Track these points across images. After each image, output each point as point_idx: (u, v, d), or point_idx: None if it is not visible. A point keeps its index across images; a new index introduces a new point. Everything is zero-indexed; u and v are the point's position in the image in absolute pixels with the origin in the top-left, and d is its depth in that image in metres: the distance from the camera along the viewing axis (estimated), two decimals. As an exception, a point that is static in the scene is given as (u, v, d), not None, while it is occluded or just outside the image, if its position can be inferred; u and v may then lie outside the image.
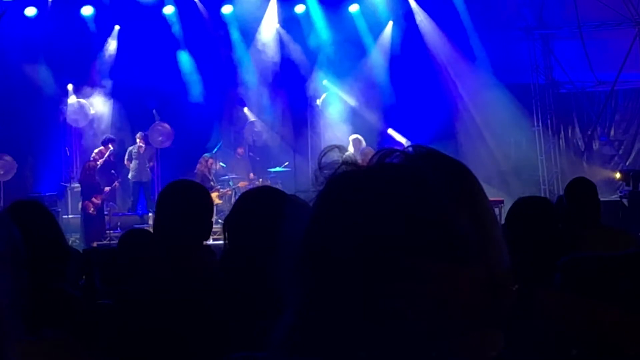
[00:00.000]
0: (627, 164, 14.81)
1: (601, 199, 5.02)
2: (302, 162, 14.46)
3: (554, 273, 2.45)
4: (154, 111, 15.21)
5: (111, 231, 13.42)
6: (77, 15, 14.68)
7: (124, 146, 14.69)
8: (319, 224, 0.99)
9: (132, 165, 14.25)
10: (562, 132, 15.57)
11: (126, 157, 14.35)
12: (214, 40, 15.19)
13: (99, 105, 14.96)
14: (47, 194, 13.61)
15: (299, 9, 15.39)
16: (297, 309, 0.99)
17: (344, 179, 1.01)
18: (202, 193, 2.97)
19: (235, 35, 15.45)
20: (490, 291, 0.94)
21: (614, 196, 13.02)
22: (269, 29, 15.52)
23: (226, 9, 15.20)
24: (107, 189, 13.59)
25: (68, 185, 14.76)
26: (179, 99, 15.10)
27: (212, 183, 13.65)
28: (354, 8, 15.30)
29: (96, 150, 13.85)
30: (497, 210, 10.75)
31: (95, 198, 13.21)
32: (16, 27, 14.05)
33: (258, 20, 15.44)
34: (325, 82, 15.50)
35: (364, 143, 13.95)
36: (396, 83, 15.01)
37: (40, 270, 2.59)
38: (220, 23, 15.28)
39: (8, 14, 13.78)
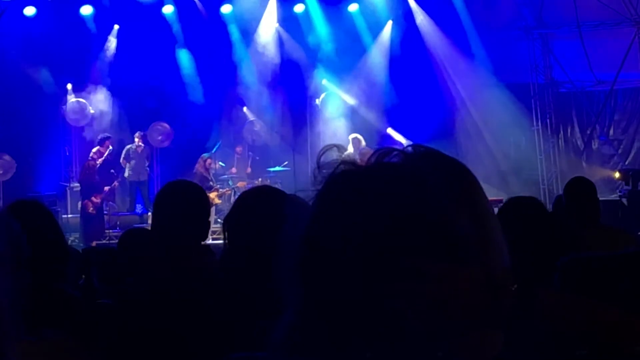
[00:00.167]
0: (626, 163, 14.81)
1: (600, 199, 5.02)
2: (302, 161, 14.46)
3: (552, 273, 2.45)
4: (153, 110, 15.20)
5: (110, 230, 13.43)
6: (76, 15, 14.68)
7: (124, 145, 14.69)
8: (319, 224, 0.99)
9: (130, 164, 14.24)
10: (562, 132, 15.57)
11: (123, 156, 14.32)
12: (214, 40, 15.19)
13: (98, 104, 14.95)
14: (46, 193, 13.60)
15: (298, 8, 15.39)
16: (297, 309, 0.99)
17: (343, 179, 1.01)
18: (199, 193, 2.98)
19: (234, 34, 15.45)
20: (490, 291, 0.94)
21: (613, 195, 13.03)
22: (269, 29, 15.52)
23: (225, 9, 15.20)
24: (106, 188, 13.59)
25: (67, 184, 14.76)
26: (178, 99, 15.09)
27: (211, 183, 13.65)
28: (353, 7, 15.30)
29: (94, 150, 13.83)
30: (496, 210, 10.73)
31: (95, 197, 13.21)
32: (15, 27, 14.04)
33: (257, 20, 15.44)
34: (324, 81, 15.50)
35: (363, 143, 13.96)
36: (395, 82, 15.01)
37: (40, 270, 2.59)
38: (220, 22, 15.28)
39: (7, 13, 13.77)
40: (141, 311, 2.55)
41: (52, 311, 2.61)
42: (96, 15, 14.87)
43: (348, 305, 0.94)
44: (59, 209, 13.31)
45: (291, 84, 15.39)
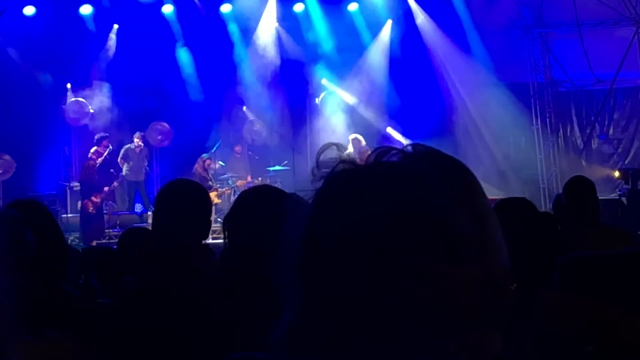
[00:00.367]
0: (626, 162, 14.81)
1: (600, 198, 5.02)
2: (301, 160, 14.45)
3: (547, 272, 2.45)
4: (153, 110, 15.21)
5: (110, 230, 13.42)
6: (76, 14, 14.67)
7: (124, 145, 14.68)
8: (318, 223, 0.98)
9: (128, 164, 14.23)
10: (561, 131, 15.58)
11: (121, 155, 14.30)
12: (213, 39, 15.18)
13: (97, 104, 14.94)
14: (46, 193, 13.60)
15: (298, 7, 15.38)
16: (296, 308, 0.98)
17: (342, 178, 1.00)
18: (200, 192, 2.97)
19: (234, 34, 15.45)
20: (490, 291, 0.94)
21: (613, 195, 13.03)
22: (268, 28, 15.52)
23: (225, 8, 15.20)
24: (106, 189, 13.58)
25: (67, 184, 14.75)
26: (178, 98, 15.09)
27: (210, 182, 13.65)
28: (353, 7, 15.30)
29: (92, 150, 13.81)
30: (496, 209, 10.71)
31: (95, 197, 13.20)
32: (15, 26, 14.03)
33: (257, 19, 15.44)
34: (324, 80, 15.50)
35: (363, 142, 13.96)
36: (395, 82, 15.01)
37: (40, 269, 2.59)
38: (219, 22, 15.27)
39: (7, 13, 13.77)
40: (141, 311, 2.55)
41: (52, 311, 2.61)
42: (96, 15, 14.86)
43: (348, 305, 0.93)
44: (59, 209, 13.31)
45: (291, 84, 15.39)
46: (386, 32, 15.42)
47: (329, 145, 1.07)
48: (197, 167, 13.93)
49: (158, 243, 2.90)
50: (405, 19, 15.18)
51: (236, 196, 3.57)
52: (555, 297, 0.99)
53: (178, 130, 14.95)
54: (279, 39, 15.53)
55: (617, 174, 13.82)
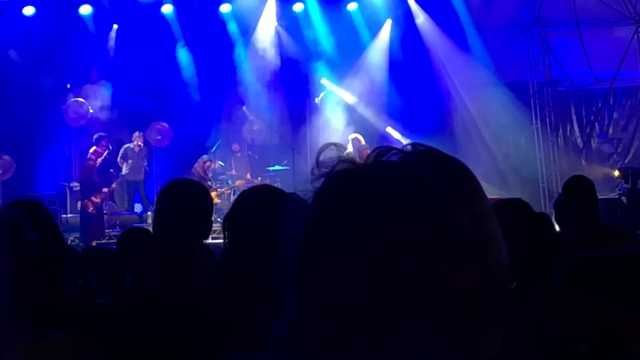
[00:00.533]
0: (625, 161, 14.81)
1: (600, 197, 5.01)
2: (301, 160, 14.45)
3: (552, 273, 2.44)
4: (152, 110, 15.21)
5: (110, 230, 13.42)
6: (75, 15, 14.66)
7: (123, 145, 14.68)
8: (318, 223, 0.98)
9: (127, 164, 14.23)
10: (561, 130, 15.58)
11: (120, 155, 14.30)
12: (213, 39, 15.18)
13: (97, 104, 14.94)
14: (46, 193, 13.59)
15: (297, 7, 15.37)
16: (296, 308, 0.98)
17: (341, 177, 1.00)
18: (201, 192, 2.96)
19: (233, 34, 15.44)
20: (490, 291, 0.94)
21: (612, 194, 13.03)
22: (268, 28, 15.51)
23: (224, 8, 15.19)
24: (105, 189, 13.56)
25: (67, 184, 14.74)
26: (177, 98, 15.08)
27: (209, 183, 13.65)
28: (352, 6, 15.29)
29: (91, 150, 13.80)
30: (496, 209, 10.71)
31: (95, 197, 13.19)
32: (15, 26, 14.02)
33: (256, 19, 15.43)
34: (323, 80, 15.50)
35: (363, 142, 13.97)
36: (395, 81, 15.01)
37: (40, 270, 2.58)
38: (219, 22, 15.27)
39: (6, 13, 13.76)
40: (141, 311, 2.55)
41: (52, 311, 2.61)
42: (95, 15, 14.85)
43: (348, 305, 0.93)
44: (59, 209, 13.30)
45: (290, 83, 15.38)
46: (386, 32, 15.41)
47: (329, 145, 1.06)
48: (197, 167, 13.93)
49: (158, 243, 2.90)
50: (404, 19, 15.17)
51: (236, 196, 3.57)
52: (555, 297, 0.99)
53: (178, 130, 14.94)
54: (278, 38, 15.52)
55: (616, 173, 13.82)
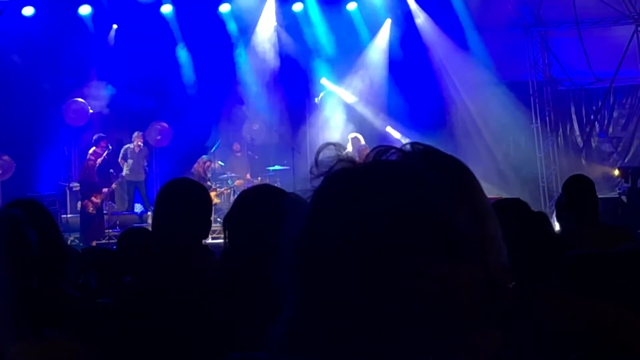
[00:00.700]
0: (625, 160, 14.81)
1: (600, 196, 5.02)
2: (301, 160, 14.45)
3: (551, 272, 2.44)
4: (152, 109, 15.20)
5: (110, 230, 13.42)
6: (75, 15, 14.66)
7: (122, 145, 14.68)
8: (317, 222, 0.98)
9: (128, 164, 14.24)
10: (561, 130, 15.57)
11: (121, 155, 14.32)
12: (212, 39, 15.18)
13: (97, 104, 14.94)
14: (46, 193, 13.59)
15: (297, 7, 15.37)
16: (296, 308, 0.98)
17: (341, 177, 1.00)
18: (201, 191, 2.96)
19: (233, 33, 15.44)
20: (489, 290, 0.93)
21: (612, 193, 13.03)
22: (267, 28, 15.51)
23: (224, 8, 15.19)
24: (105, 189, 13.57)
25: (67, 184, 14.75)
26: (177, 98, 15.08)
27: (208, 183, 13.65)
28: (351, 6, 15.30)
29: (90, 151, 13.80)
30: (496, 208, 10.70)
31: (95, 197, 13.19)
32: (14, 27, 14.02)
33: (256, 19, 15.43)
34: (323, 80, 15.50)
35: (362, 141, 13.97)
36: (394, 80, 15.01)
37: (40, 270, 2.58)
38: (218, 22, 15.27)
39: (6, 13, 13.76)
40: (141, 311, 2.55)
41: (52, 311, 2.61)
42: (95, 15, 14.85)
43: (348, 305, 0.93)
44: (59, 209, 13.30)
45: (290, 83, 15.38)
46: (385, 31, 15.41)
47: (328, 145, 1.06)
48: (197, 166, 13.93)
49: (158, 243, 2.90)
50: (404, 18, 15.17)
51: (235, 196, 3.57)
52: (555, 296, 0.99)
53: (177, 130, 14.94)
54: (278, 38, 15.52)
55: (616, 172, 13.82)
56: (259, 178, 14.56)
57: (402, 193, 0.95)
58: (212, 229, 3.12)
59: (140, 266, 4.37)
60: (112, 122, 15.00)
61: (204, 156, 14.24)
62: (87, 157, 13.68)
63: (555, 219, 5.65)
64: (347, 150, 1.03)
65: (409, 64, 14.87)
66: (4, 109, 13.98)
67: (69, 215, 14.18)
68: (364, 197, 0.95)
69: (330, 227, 0.95)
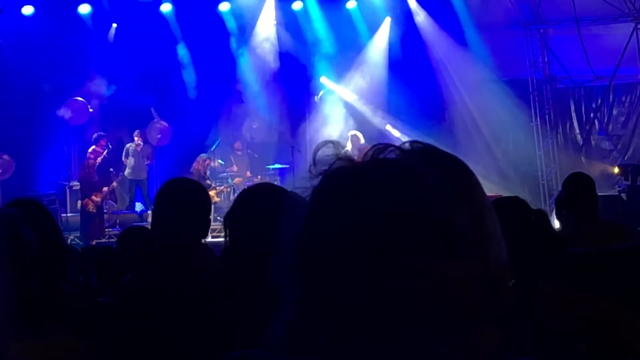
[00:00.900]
0: (625, 158, 14.80)
1: (600, 194, 5.01)
2: (301, 158, 14.46)
3: (551, 269, 2.44)
4: (152, 109, 15.22)
5: (110, 229, 13.42)
6: (74, 14, 14.65)
7: (122, 144, 14.68)
8: (316, 221, 0.98)
9: (129, 162, 14.27)
10: (560, 127, 15.56)
11: (124, 154, 14.37)
12: (212, 38, 15.17)
13: (97, 103, 14.93)
14: (45, 192, 13.59)
15: (296, 5, 15.37)
16: (296, 307, 0.98)
17: (339, 175, 0.99)
18: (200, 190, 2.97)
19: (232, 32, 15.44)
20: (489, 287, 0.93)
21: (612, 191, 13.02)
22: (267, 26, 15.51)
23: (223, 6, 15.18)
24: (105, 188, 13.56)
25: (67, 183, 14.75)
26: (176, 97, 15.08)
27: (208, 181, 13.65)
28: (351, 4, 15.29)
29: (90, 150, 13.81)
30: (495, 206, 10.70)
31: (95, 196, 13.19)
32: (13, 26, 14.01)
33: (255, 17, 15.43)
34: (323, 78, 15.50)
35: (362, 139, 13.96)
36: (394, 79, 15.01)
37: (40, 269, 2.58)
38: (218, 20, 15.26)
39: (5, 12, 13.75)
40: (141, 310, 2.55)
41: (52, 311, 2.60)
42: (94, 14, 14.83)
43: (347, 304, 0.93)
44: (58, 208, 13.30)
45: (290, 81, 15.38)
46: (385, 30, 15.41)
47: (326, 143, 1.06)
48: (196, 165, 13.92)
49: (157, 242, 2.90)
50: (403, 16, 15.17)
51: (235, 194, 3.56)
52: (555, 294, 0.99)
53: (177, 128, 14.94)
54: (277, 37, 15.52)
55: (616, 170, 13.81)
56: (259, 176, 14.56)
57: (401, 191, 0.94)
58: (212, 227, 3.13)
59: (140, 265, 4.37)
60: (112, 121, 14.99)
61: (202, 154, 14.24)
62: (87, 155, 13.69)
63: (554, 217, 5.65)
64: (346, 149, 1.02)
65: (409, 62, 14.88)
66: (4, 108, 13.98)
67: (69, 214, 14.17)
68: (362, 196, 0.94)
69: (329, 225, 0.95)
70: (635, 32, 14.27)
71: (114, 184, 13.99)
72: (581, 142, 15.32)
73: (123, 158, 14.34)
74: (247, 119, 15.69)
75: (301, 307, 0.97)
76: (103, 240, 12.80)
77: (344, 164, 1.00)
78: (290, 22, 15.51)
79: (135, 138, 14.31)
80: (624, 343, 0.97)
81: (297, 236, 0.98)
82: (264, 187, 2.70)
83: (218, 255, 2.65)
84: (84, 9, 14.70)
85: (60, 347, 1.88)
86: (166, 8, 15.07)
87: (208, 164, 14.13)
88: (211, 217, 3.03)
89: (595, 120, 15.26)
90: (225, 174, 14.72)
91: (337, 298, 0.93)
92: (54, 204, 13.05)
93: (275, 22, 15.53)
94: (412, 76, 14.65)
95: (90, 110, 14.91)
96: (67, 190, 14.66)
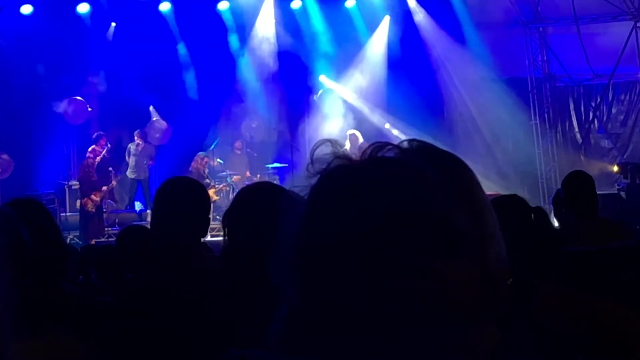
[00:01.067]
0: (624, 156, 14.81)
1: (599, 192, 5.02)
2: (300, 157, 14.45)
3: (551, 268, 2.44)
4: (150, 108, 15.21)
5: (109, 228, 13.41)
6: (73, 13, 14.64)
7: (122, 143, 14.67)
8: (314, 220, 0.97)
9: (130, 162, 14.28)
10: (560, 126, 15.58)
11: (126, 154, 14.40)
12: (211, 37, 15.17)
13: (96, 102, 14.92)
14: (44, 192, 13.58)
15: (295, 4, 15.37)
16: (295, 307, 0.98)
17: (337, 174, 0.99)
18: (199, 190, 2.97)
19: (231, 31, 15.44)
20: (488, 286, 0.93)
21: (611, 189, 13.03)
22: (266, 25, 15.50)
23: (222, 5, 15.18)
24: (104, 188, 13.55)
25: (66, 183, 14.74)
26: (176, 96, 15.08)
27: (207, 180, 13.64)
28: (350, 3, 15.29)
29: (90, 149, 13.80)
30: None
31: (94, 195, 13.19)
32: (12, 25, 14.00)
33: (254, 16, 15.43)
34: (322, 77, 15.50)
35: (360, 138, 13.96)
36: (393, 77, 15.01)
37: (39, 269, 2.58)
38: (217, 19, 15.26)
39: (4, 11, 13.73)
40: (140, 310, 2.55)
41: (52, 310, 2.60)
42: (93, 13, 14.82)
43: (347, 305, 0.92)
44: (58, 208, 13.29)
45: (289, 80, 15.38)
46: (384, 28, 15.41)
47: (324, 141, 1.05)
48: (195, 164, 13.91)
49: (157, 241, 2.90)
50: (402, 15, 15.17)
51: (234, 193, 3.57)
52: (555, 294, 0.99)
53: (176, 128, 14.94)
54: (276, 35, 15.51)
55: (615, 168, 13.83)
56: (258, 175, 14.56)
57: (400, 190, 0.94)
58: (211, 226, 3.12)
59: (140, 264, 4.37)
60: (111, 120, 14.98)
61: (201, 153, 14.22)
62: (87, 154, 13.69)
63: (553, 215, 5.65)
64: (344, 147, 1.02)
65: (408, 60, 14.88)
66: (3, 108, 13.96)
67: (68, 214, 14.16)
68: (360, 194, 0.94)
69: (327, 224, 0.95)
70: (634, 31, 14.28)
71: (113, 183, 13.98)
72: (580, 141, 15.33)
73: (126, 158, 14.36)
74: (246, 118, 15.68)
75: (300, 307, 0.97)
76: (102, 239, 12.79)
77: (342, 163, 1.00)
78: (289, 20, 15.51)
79: (136, 138, 14.31)
80: (625, 343, 0.97)
81: (295, 235, 0.97)
82: (262, 186, 2.70)
83: (217, 254, 2.65)
84: (83, 8, 14.70)
85: (60, 347, 1.87)
86: (165, 7, 15.06)
87: (207, 162, 14.12)
88: (210, 216, 3.03)
89: (595, 119, 15.27)
90: (224, 173, 14.72)
91: (336, 298, 0.93)
92: (53, 203, 13.05)
93: (274, 20, 15.53)
94: (411, 75, 14.66)
95: (89, 109, 14.90)
96: (67, 190, 14.65)
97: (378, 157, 1.00)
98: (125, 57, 14.60)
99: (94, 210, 13.14)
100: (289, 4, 15.39)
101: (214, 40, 15.22)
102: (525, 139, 15.05)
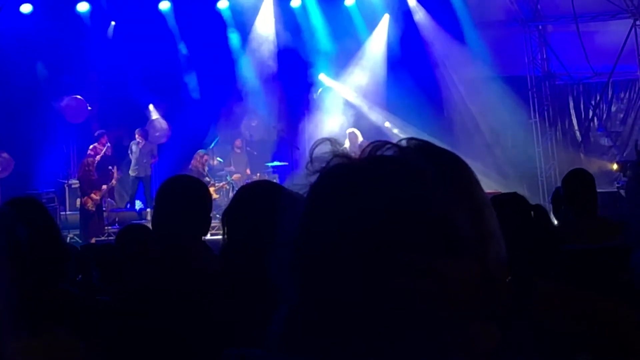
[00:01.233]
0: (624, 155, 14.80)
1: (598, 190, 5.01)
2: (299, 156, 14.45)
3: (551, 266, 2.44)
4: (150, 107, 15.21)
5: (109, 227, 13.41)
6: (73, 12, 14.64)
7: (122, 142, 14.67)
8: (313, 219, 0.97)
9: (132, 160, 14.28)
10: (559, 124, 15.57)
11: (129, 152, 14.41)
12: (210, 35, 15.16)
13: (95, 101, 14.92)
14: (44, 191, 13.59)
15: (295, 2, 15.37)
16: (294, 307, 0.97)
17: (337, 172, 0.99)
18: (200, 189, 2.96)
19: (231, 30, 15.43)
20: (487, 285, 0.93)
21: (611, 187, 13.03)
22: (265, 24, 15.50)
23: (222, 4, 15.18)
24: (104, 186, 13.55)
25: (66, 181, 14.74)
26: (175, 95, 15.07)
27: (207, 178, 13.64)
28: (349, 2, 15.29)
29: (91, 147, 13.81)
30: (494, 203, 10.69)
31: (94, 194, 13.19)
32: (12, 24, 13.99)
33: (254, 15, 15.42)
34: (321, 75, 15.49)
35: (360, 137, 13.95)
36: (393, 76, 15.00)
37: (39, 268, 2.58)
38: (216, 18, 15.25)
39: (4, 10, 13.73)
40: (140, 309, 2.55)
41: (52, 309, 2.60)
42: (93, 12, 14.83)
43: (347, 304, 0.92)
44: (58, 206, 13.29)
45: (288, 79, 15.38)
46: (383, 27, 15.41)
47: (323, 140, 1.05)
48: (195, 162, 13.91)
49: (157, 241, 2.89)
50: (402, 14, 15.16)
51: (234, 191, 3.56)
52: (555, 292, 0.99)
53: (176, 127, 14.93)
54: (276, 34, 15.51)
55: (615, 166, 13.82)
56: (258, 174, 14.56)
57: (399, 188, 0.94)
58: (211, 225, 3.11)
59: (139, 263, 4.37)
60: (111, 119, 14.98)
61: (200, 150, 14.21)
62: (87, 152, 13.70)
63: (552, 214, 5.65)
64: (343, 146, 1.02)
65: (408, 59, 14.87)
66: (3, 107, 13.96)
67: (68, 213, 14.16)
68: (360, 193, 0.94)
69: (327, 223, 0.94)
70: (633, 29, 14.27)
71: (113, 181, 13.98)
72: (580, 139, 15.32)
73: (129, 156, 14.37)
74: (245, 116, 15.68)
75: (300, 306, 0.96)
76: (102, 238, 12.79)
77: (342, 161, 1.00)
78: (289, 19, 15.50)
79: (137, 136, 14.31)
80: (624, 341, 0.96)
81: (295, 234, 0.97)
82: (262, 184, 2.69)
83: (216, 252, 2.64)
84: (83, 7, 14.70)
85: (60, 346, 1.87)
86: (165, 6, 15.06)
87: (206, 160, 14.12)
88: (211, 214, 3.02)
89: (594, 117, 15.26)
90: (224, 171, 14.71)
91: (336, 297, 0.92)
92: (53, 202, 13.06)
93: (274, 19, 15.52)
94: (411, 73, 14.65)
95: (89, 108, 14.89)
96: (66, 189, 14.66)
97: (377, 155, 1.00)
98: (124, 56, 14.59)
99: (94, 209, 13.14)
100: (289, 2, 15.40)
101: (214, 38, 15.21)
102: (524, 138, 15.04)
